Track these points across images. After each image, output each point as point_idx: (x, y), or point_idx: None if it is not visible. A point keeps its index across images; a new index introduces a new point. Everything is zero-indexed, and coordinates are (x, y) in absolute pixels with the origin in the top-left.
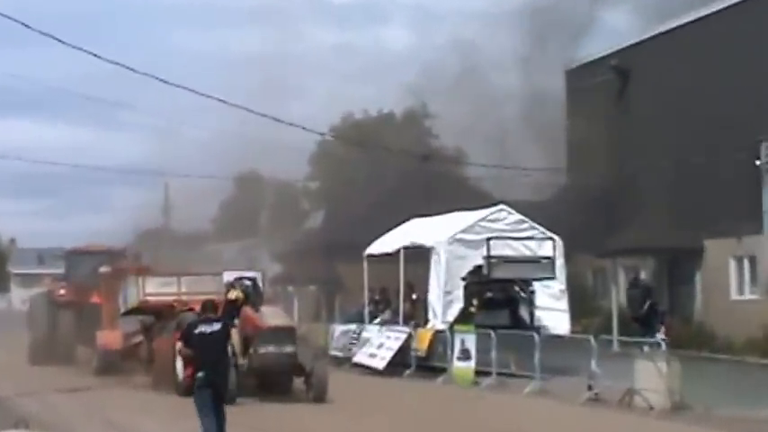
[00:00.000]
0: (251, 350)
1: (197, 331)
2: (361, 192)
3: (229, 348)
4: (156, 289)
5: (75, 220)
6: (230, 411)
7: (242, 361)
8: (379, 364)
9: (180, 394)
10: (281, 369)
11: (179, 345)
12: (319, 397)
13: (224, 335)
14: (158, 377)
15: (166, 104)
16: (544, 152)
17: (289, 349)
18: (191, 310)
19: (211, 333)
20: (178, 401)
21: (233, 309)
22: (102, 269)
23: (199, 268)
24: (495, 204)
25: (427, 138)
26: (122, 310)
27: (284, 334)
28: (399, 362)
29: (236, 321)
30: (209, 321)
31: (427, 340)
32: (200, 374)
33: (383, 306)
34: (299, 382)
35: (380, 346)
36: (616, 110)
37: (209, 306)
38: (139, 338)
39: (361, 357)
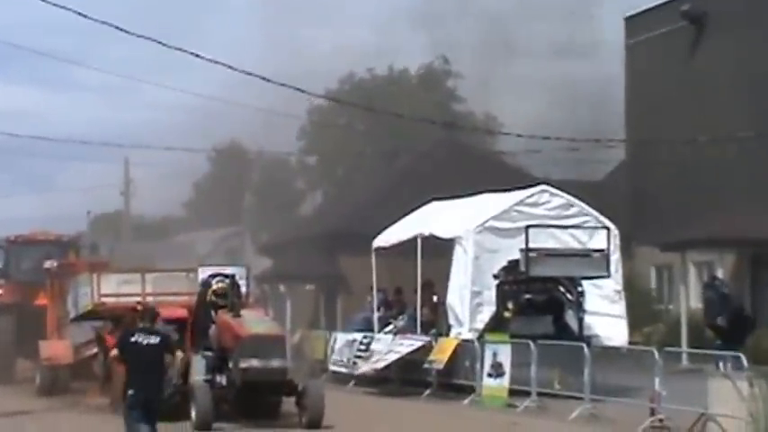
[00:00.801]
0: (230, 364)
1: (132, 340)
2: (368, 169)
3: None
4: (114, 288)
5: (14, 203)
6: None
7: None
8: (378, 365)
9: None
10: (268, 387)
11: (114, 352)
12: (314, 422)
13: (161, 350)
14: (117, 398)
15: (126, 60)
16: (597, 120)
17: (277, 363)
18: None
19: (148, 345)
20: None
21: (209, 307)
22: (48, 264)
23: (168, 263)
24: (535, 184)
25: (450, 102)
26: (72, 315)
27: (272, 344)
28: (415, 380)
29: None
30: (147, 332)
31: (448, 351)
32: (130, 393)
33: (397, 310)
34: (289, 404)
35: (389, 351)
36: (687, 67)
37: (148, 315)
38: (93, 350)
39: (367, 370)
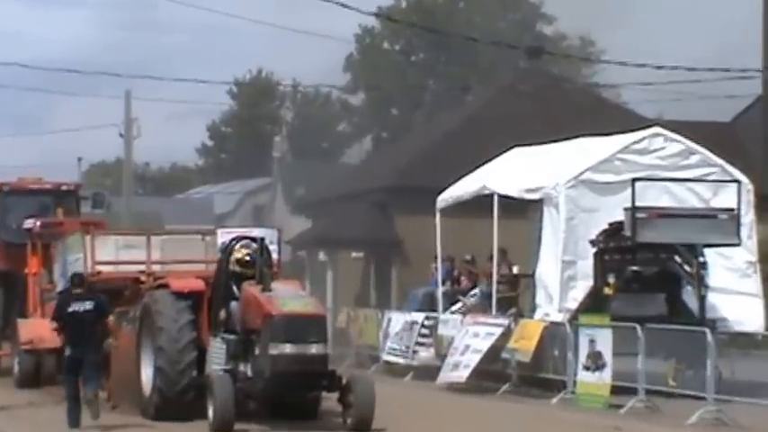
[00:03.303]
0: (257, 350)
1: (70, 310)
2: (430, 108)
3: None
4: (113, 254)
5: None
6: None
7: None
8: (461, 374)
9: (150, 416)
10: (304, 380)
11: (53, 324)
12: (362, 424)
13: (96, 315)
14: (116, 390)
15: None
16: (726, 46)
17: (316, 349)
18: (163, 287)
19: (84, 312)
20: (151, 428)
21: (231, 279)
22: (29, 223)
23: (179, 224)
24: (645, 126)
25: (536, 22)
26: (60, 287)
27: (309, 326)
28: (492, 372)
29: (236, 304)
30: (81, 299)
31: (534, 337)
32: (67, 354)
33: (468, 284)
34: (331, 401)
35: (466, 349)
36: None
37: (76, 280)
38: None
39: (432, 363)
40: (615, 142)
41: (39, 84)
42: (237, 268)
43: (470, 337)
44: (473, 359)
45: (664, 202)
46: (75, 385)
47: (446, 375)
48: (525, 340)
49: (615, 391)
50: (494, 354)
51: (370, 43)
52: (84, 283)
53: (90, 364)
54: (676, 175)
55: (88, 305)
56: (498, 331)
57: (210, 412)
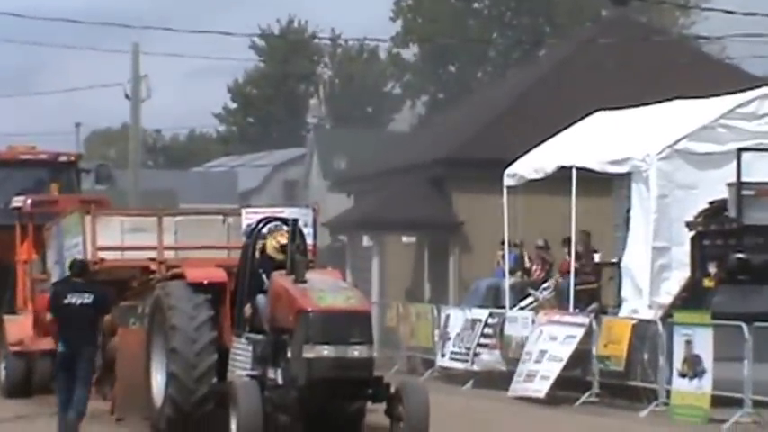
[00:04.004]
0: (289, 353)
1: (65, 301)
2: (496, 66)
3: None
4: (118, 238)
5: None
6: None
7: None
8: (539, 387)
9: (162, 430)
10: (345, 388)
11: (48, 316)
12: None
13: (94, 311)
14: (122, 397)
15: None
16: None
17: (359, 353)
18: (178, 277)
19: (81, 305)
20: None
21: (258, 268)
22: (18, 201)
23: (197, 202)
24: (754, 87)
25: None
26: (55, 277)
27: (351, 324)
28: (569, 379)
29: (262, 298)
30: (79, 290)
31: (625, 341)
32: (60, 350)
33: (540, 275)
34: (377, 414)
35: (542, 355)
36: None
37: (76, 268)
38: None
39: (496, 368)
40: (717, 105)
41: (32, 36)
42: (267, 255)
43: (547, 341)
44: (552, 369)
45: None
46: (68, 387)
47: (520, 387)
48: (614, 344)
49: (716, 402)
50: (573, 359)
51: None
52: (85, 272)
53: (81, 371)
54: None
55: (87, 298)
56: (579, 332)
57: (233, 427)
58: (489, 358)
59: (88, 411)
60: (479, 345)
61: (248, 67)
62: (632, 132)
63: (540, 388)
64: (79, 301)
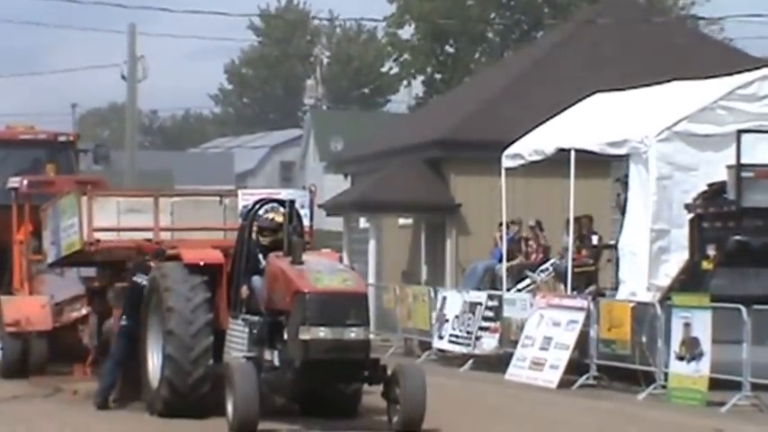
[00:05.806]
0: (285, 335)
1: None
2: (494, 46)
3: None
4: (114, 219)
5: None
6: None
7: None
8: (550, 378)
9: (158, 412)
10: (342, 370)
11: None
12: (410, 423)
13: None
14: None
15: None
16: None
17: (356, 334)
18: (175, 259)
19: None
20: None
21: (254, 249)
22: (14, 181)
23: (193, 183)
24: (754, 68)
25: None
26: (51, 258)
27: (348, 306)
28: (567, 362)
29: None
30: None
31: (626, 323)
32: (121, 323)
33: (538, 257)
34: (373, 396)
35: (547, 342)
36: None
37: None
38: (82, 311)
39: (496, 351)
40: (717, 87)
41: (27, 16)
42: (262, 237)
43: (550, 327)
44: (561, 357)
45: None
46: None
47: (525, 374)
48: (618, 328)
49: (715, 385)
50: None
51: None
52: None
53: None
54: None
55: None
56: (581, 317)
57: (230, 408)
58: (491, 342)
59: (84, 392)
60: (480, 328)
61: (245, 47)
62: (631, 114)
63: (552, 378)
64: (142, 282)
